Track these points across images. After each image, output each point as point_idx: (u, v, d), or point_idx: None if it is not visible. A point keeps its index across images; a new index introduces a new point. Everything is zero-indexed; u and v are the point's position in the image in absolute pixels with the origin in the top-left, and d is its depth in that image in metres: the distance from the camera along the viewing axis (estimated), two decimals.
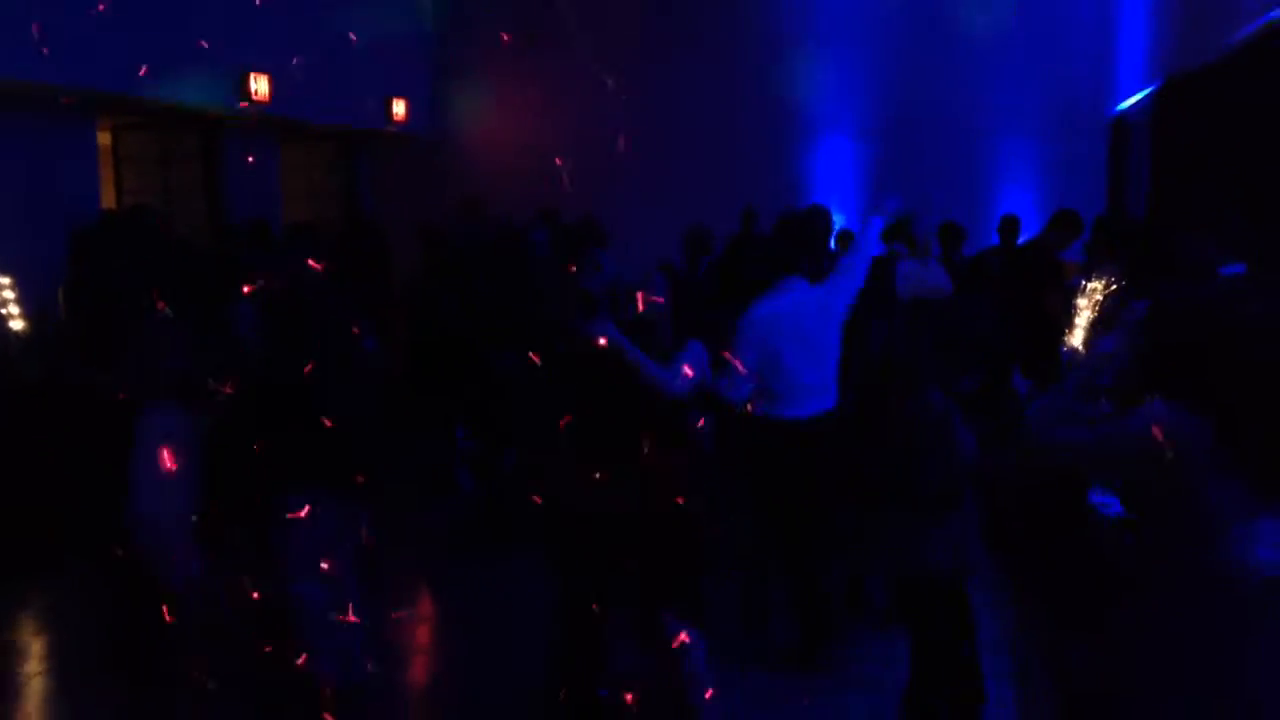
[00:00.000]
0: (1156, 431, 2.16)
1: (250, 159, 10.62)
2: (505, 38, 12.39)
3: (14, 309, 7.21)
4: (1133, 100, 9.68)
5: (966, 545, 3.69)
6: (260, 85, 9.58)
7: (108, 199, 9.58)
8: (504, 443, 6.80)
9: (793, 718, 4.40)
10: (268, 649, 4.19)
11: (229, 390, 4.39)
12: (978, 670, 3.83)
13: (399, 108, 12.13)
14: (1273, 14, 5.68)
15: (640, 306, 3.92)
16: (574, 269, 4.64)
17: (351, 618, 4.23)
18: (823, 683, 4.64)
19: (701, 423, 4.37)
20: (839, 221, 11.17)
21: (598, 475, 3.64)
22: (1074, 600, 4.50)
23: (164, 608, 4.80)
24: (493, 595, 5.66)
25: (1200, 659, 2.20)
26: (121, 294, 4.72)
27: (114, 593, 4.96)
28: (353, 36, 10.60)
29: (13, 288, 7.25)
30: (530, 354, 4.39)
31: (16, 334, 7.17)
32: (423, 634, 5.45)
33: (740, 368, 4.46)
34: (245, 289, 4.86)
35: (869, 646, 4.91)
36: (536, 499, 4.09)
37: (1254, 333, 2.13)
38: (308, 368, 3.99)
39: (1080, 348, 5.42)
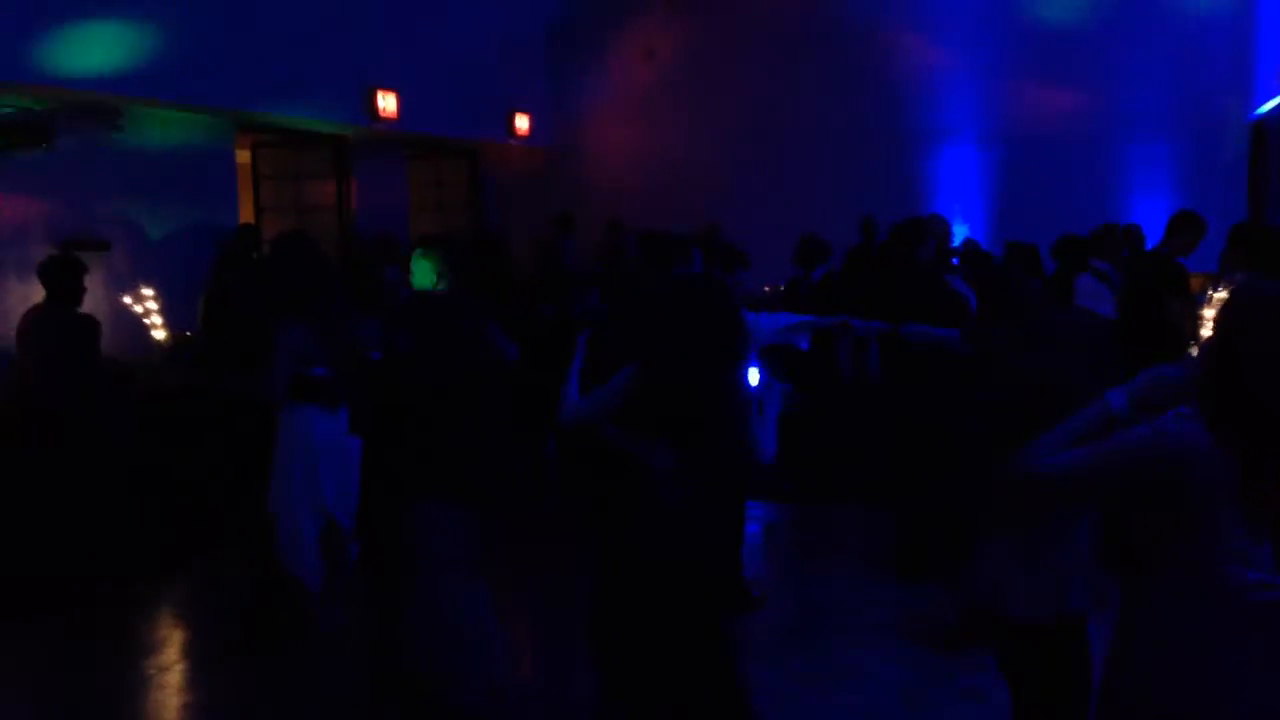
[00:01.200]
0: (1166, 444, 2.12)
1: (379, 174, 11.01)
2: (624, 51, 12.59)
3: (157, 319, 7.63)
4: (1275, 103, 9.27)
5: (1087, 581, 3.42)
6: (388, 102, 9.92)
7: (245, 214, 10.04)
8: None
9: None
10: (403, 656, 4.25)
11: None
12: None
13: (522, 121, 12.40)
14: None
15: None
16: None
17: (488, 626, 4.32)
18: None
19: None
20: (963, 231, 10.99)
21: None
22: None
23: (297, 605, 5.06)
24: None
25: (1191, 677, 2.17)
26: (267, 306, 4.97)
27: (251, 590, 5.24)
28: (476, 52, 10.92)
29: (156, 298, 7.67)
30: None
31: (159, 343, 7.58)
32: (535, 639, 5.52)
33: None
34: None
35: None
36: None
37: None
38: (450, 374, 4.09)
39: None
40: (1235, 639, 2.11)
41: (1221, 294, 5.11)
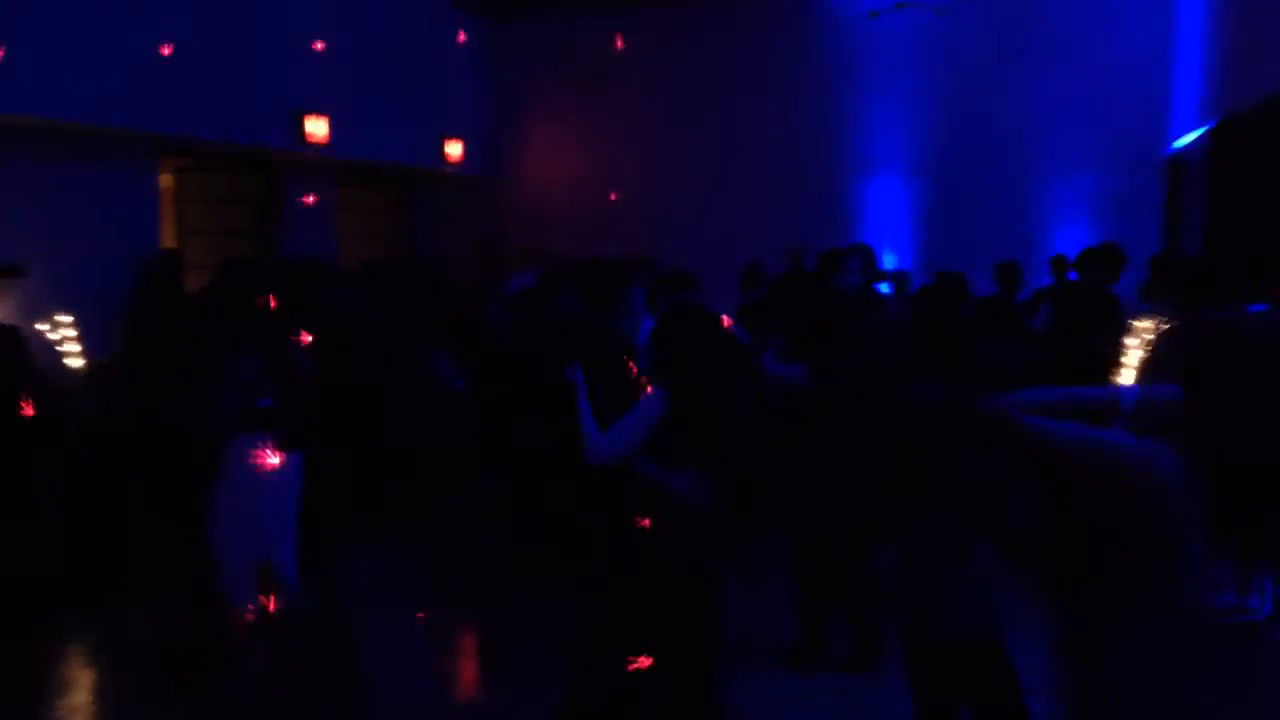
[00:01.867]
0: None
1: (308, 200, 10.85)
2: (560, 79, 12.60)
3: (74, 346, 7.40)
4: (1189, 138, 9.56)
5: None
6: (317, 127, 9.79)
7: (168, 240, 9.81)
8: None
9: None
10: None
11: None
12: None
13: (454, 149, 12.33)
14: None
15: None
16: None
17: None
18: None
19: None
20: (891, 261, 11.17)
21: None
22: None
23: (235, 636, 4.91)
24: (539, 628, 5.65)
25: (1166, 696, 2.16)
26: (209, 335, 4.84)
27: (190, 621, 5.07)
28: (408, 78, 10.83)
29: (74, 325, 7.44)
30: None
31: (76, 370, 7.35)
32: (470, 665, 5.44)
33: None
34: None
35: None
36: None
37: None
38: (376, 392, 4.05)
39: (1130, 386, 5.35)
40: (1205, 663, 2.12)
41: (1145, 324, 5.23)
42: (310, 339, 4.99)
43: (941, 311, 5.67)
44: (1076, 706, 2.35)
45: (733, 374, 3.92)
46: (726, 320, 5.08)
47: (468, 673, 5.46)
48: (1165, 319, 5.24)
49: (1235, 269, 6.41)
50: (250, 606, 4.83)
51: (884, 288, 9.02)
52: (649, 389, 3.79)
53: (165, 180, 10.01)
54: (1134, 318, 5.42)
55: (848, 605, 5.11)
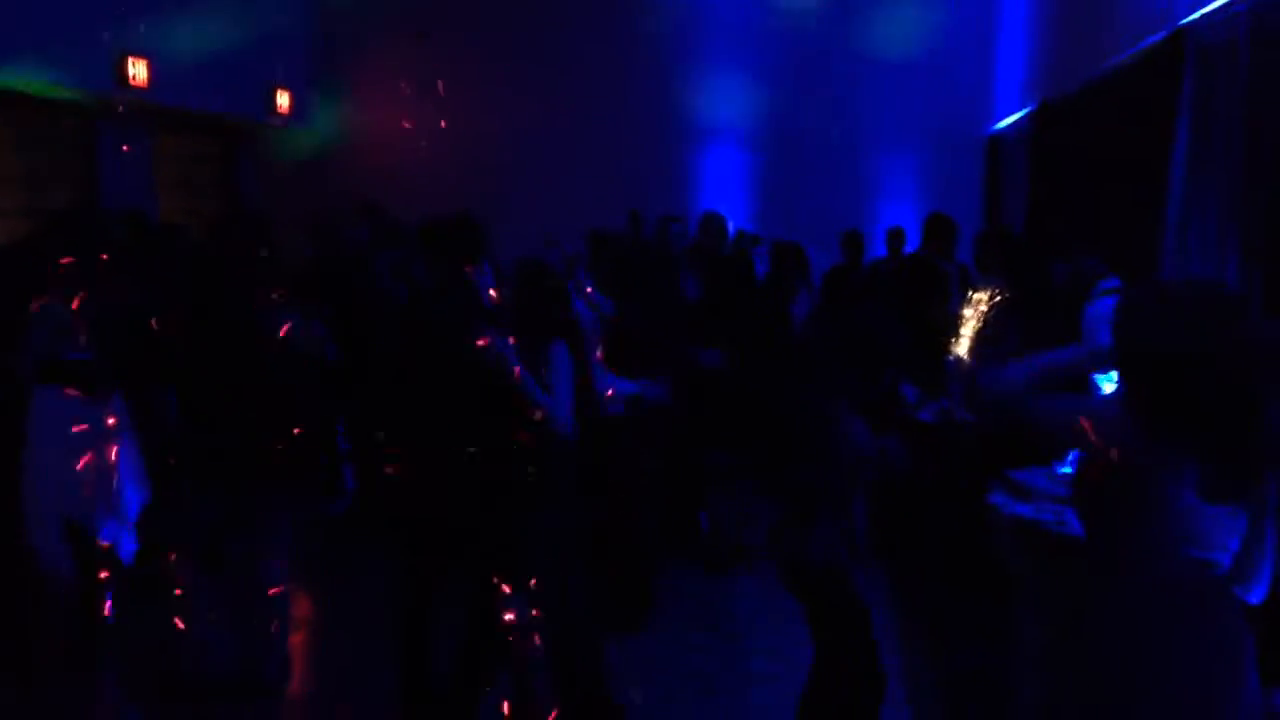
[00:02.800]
0: (1085, 424, 2.25)
1: (125, 147, 10.23)
2: (394, 32, 12.27)
3: None
4: (1009, 120, 10.08)
5: (854, 539, 3.71)
6: (139, 70, 9.24)
7: None
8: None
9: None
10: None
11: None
12: (874, 667, 3.86)
13: (283, 99, 11.84)
14: (1143, 43, 6.00)
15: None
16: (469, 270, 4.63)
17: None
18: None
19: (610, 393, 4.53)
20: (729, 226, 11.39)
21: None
22: (960, 602, 4.68)
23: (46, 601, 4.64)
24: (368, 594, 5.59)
25: (1134, 660, 2.30)
26: (24, 282, 4.53)
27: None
28: (236, 23, 10.34)
29: None
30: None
31: None
32: (300, 635, 5.32)
33: None
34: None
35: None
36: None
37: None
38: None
39: (965, 356, 5.63)
40: (1182, 617, 2.26)
41: (980, 296, 5.50)
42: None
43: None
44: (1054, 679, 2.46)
45: None
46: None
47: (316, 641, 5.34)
48: (1000, 290, 5.56)
49: (1054, 243, 6.85)
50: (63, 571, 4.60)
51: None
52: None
53: None
54: (972, 289, 5.67)
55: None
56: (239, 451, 4.20)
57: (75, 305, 4.41)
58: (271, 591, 4.35)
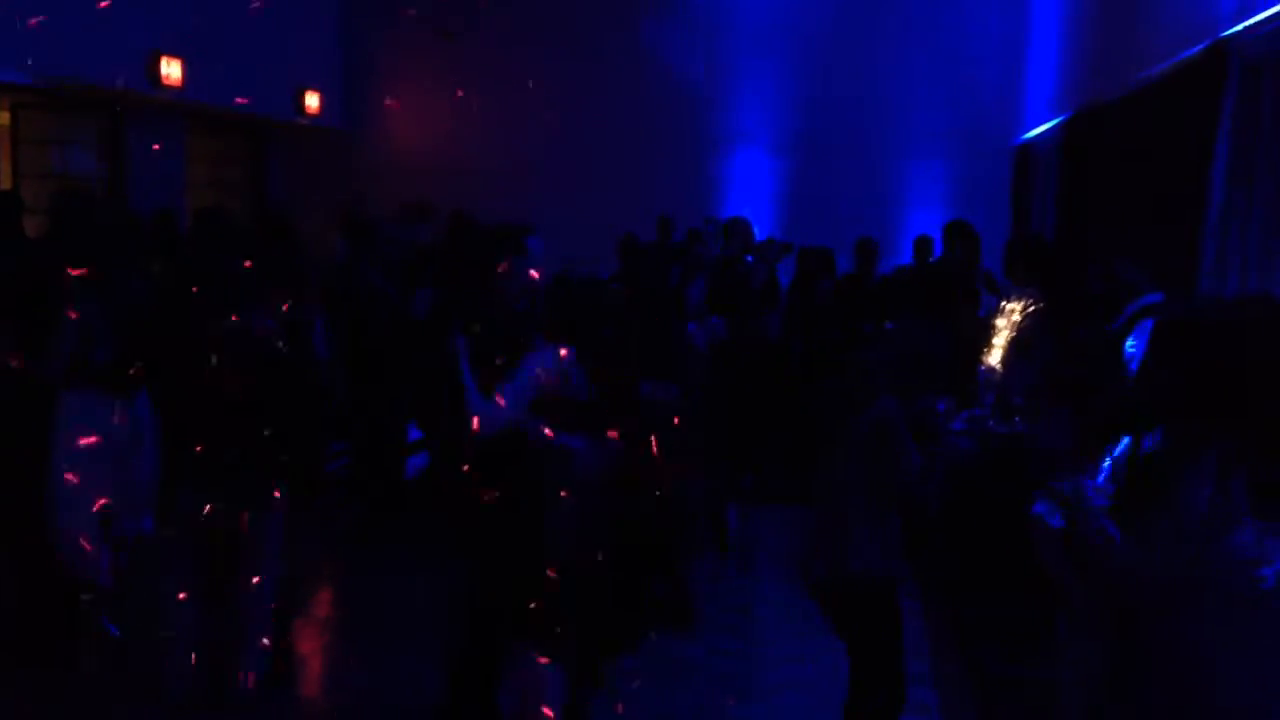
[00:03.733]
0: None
1: (156, 146, 10.29)
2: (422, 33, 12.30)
3: None
4: (1039, 130, 10.02)
5: (898, 554, 3.76)
6: (172, 69, 9.30)
7: (2, 180, 9.19)
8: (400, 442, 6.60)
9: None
10: None
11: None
12: (903, 677, 3.87)
13: (312, 100, 11.90)
14: (1182, 54, 5.95)
15: None
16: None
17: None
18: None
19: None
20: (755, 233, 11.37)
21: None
22: (996, 610, 4.66)
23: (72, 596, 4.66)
24: (387, 600, 5.59)
25: (1172, 670, 2.28)
26: (48, 280, 4.54)
27: (23, 579, 4.78)
28: (267, 24, 10.39)
29: None
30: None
31: None
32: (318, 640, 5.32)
33: None
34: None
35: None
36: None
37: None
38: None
39: (998, 366, 5.61)
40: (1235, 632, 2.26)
41: (1013, 305, 5.48)
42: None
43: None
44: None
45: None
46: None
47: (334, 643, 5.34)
48: (1032, 301, 5.54)
49: (1086, 251, 6.81)
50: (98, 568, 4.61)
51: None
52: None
53: (1, 117, 9.37)
54: (1004, 298, 5.66)
55: None
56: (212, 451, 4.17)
57: (99, 308, 4.43)
58: (247, 591, 4.31)
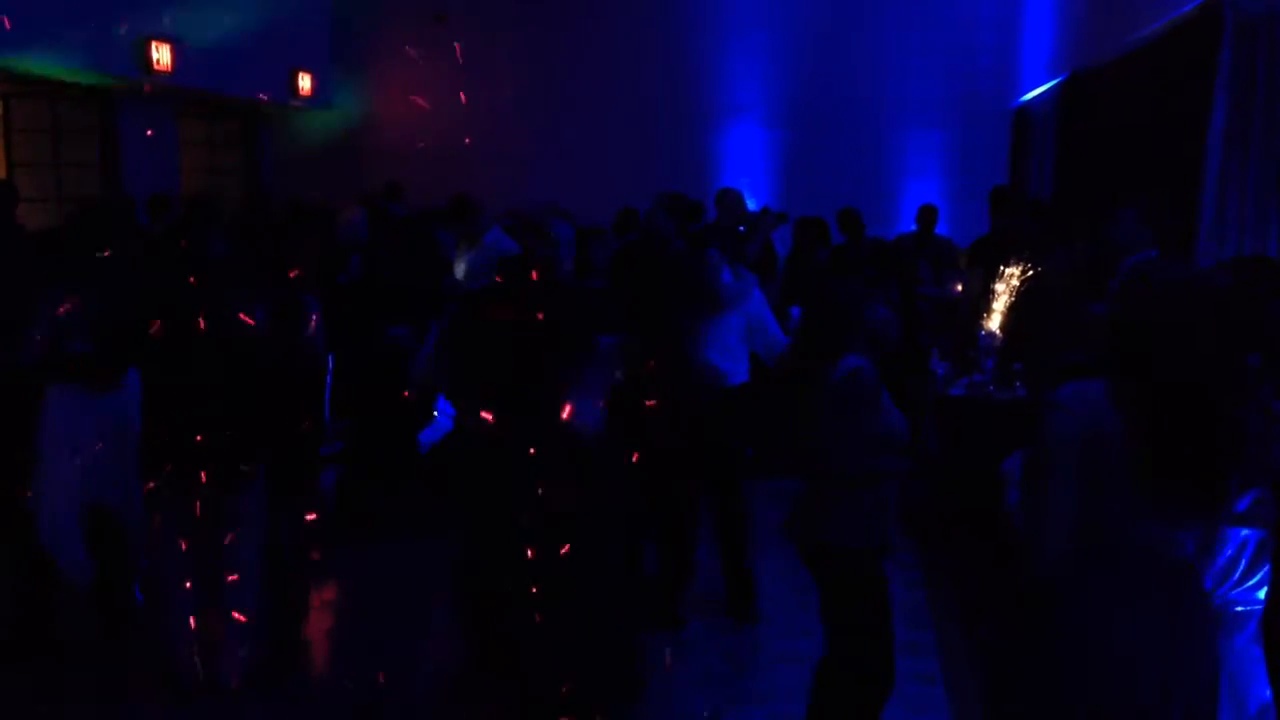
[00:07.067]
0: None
1: (149, 132, 10.25)
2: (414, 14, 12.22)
3: None
4: (1036, 92, 9.96)
5: (880, 524, 3.59)
6: (162, 55, 9.24)
7: None
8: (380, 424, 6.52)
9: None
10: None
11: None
12: (889, 652, 3.76)
13: (304, 82, 11.83)
14: (1179, 11, 5.90)
15: None
16: None
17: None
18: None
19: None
20: (750, 205, 11.31)
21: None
22: (987, 581, 4.64)
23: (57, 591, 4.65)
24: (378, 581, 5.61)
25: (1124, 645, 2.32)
26: (29, 274, 4.51)
27: (10, 576, 4.76)
28: (258, 6, 10.33)
29: None
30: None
31: None
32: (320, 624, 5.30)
33: None
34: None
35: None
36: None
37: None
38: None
39: (998, 331, 5.59)
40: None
41: (1012, 270, 5.45)
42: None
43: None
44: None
45: None
46: None
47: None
48: (1029, 265, 5.51)
49: (1081, 214, 6.78)
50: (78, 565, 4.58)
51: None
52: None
53: None
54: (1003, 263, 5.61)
55: None
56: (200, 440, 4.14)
57: (79, 299, 4.38)
58: (232, 579, 4.27)
